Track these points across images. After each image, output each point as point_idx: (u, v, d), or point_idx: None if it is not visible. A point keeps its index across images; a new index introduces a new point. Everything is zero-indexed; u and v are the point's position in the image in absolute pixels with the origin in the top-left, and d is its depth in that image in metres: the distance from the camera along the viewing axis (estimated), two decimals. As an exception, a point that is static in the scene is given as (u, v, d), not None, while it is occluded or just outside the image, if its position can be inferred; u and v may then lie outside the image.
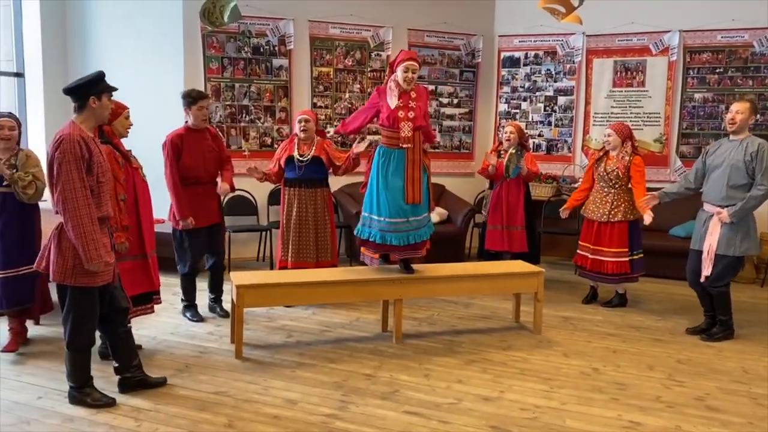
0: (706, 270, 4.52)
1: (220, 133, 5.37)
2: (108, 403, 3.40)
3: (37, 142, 6.70)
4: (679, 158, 6.95)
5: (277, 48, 6.84)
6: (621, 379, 3.93)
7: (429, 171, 4.43)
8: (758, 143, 4.38)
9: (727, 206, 4.42)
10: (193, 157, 4.70)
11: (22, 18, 6.56)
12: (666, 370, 4.09)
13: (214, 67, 6.64)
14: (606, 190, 5.23)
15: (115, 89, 3.41)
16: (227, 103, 6.66)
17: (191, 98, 4.72)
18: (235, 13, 5.60)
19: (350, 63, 7.12)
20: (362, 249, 4.61)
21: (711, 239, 4.49)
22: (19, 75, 6.65)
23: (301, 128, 5.06)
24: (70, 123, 3.26)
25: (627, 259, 5.19)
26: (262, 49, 6.79)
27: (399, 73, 4.24)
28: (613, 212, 5.17)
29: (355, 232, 4.56)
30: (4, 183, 4.02)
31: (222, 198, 5.05)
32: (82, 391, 3.41)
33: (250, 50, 6.74)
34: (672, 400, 3.64)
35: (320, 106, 7.03)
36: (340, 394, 3.63)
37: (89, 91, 3.26)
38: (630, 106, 7.08)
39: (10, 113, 4.25)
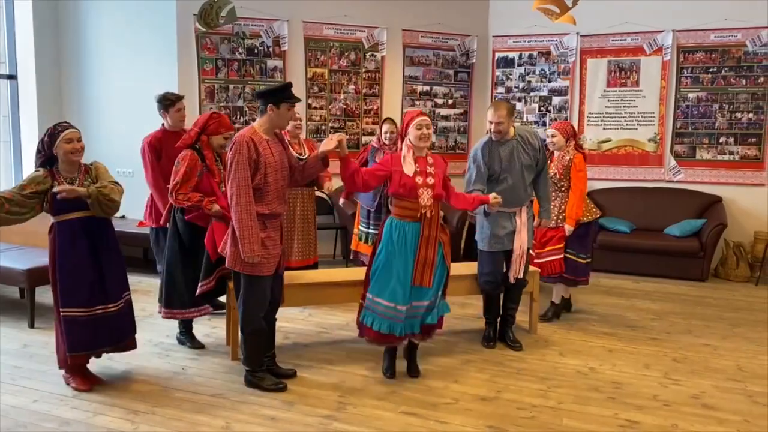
0: (519, 272, 4.34)
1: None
2: (280, 389, 3.63)
3: (31, 145, 6.68)
4: (673, 157, 6.97)
5: (271, 49, 6.83)
6: (617, 378, 3.95)
7: (446, 248, 3.85)
8: (532, 135, 4.29)
9: (528, 205, 4.36)
10: (171, 159, 4.53)
11: (14, 20, 6.54)
12: (662, 368, 4.11)
13: (208, 68, 6.62)
14: (553, 194, 4.81)
15: (297, 100, 3.50)
16: (221, 104, 6.64)
17: (169, 101, 4.59)
18: (231, 15, 5.62)
19: (345, 64, 7.11)
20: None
21: (521, 239, 4.29)
22: (12, 77, 6.62)
23: (296, 126, 5.04)
24: (249, 126, 3.47)
25: (560, 257, 4.83)
26: (256, 50, 6.78)
27: (412, 133, 3.68)
28: (560, 216, 4.82)
29: (360, 318, 3.84)
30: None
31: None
32: (256, 376, 3.67)
33: (244, 51, 6.73)
34: (668, 399, 3.66)
35: (315, 107, 7.03)
36: (338, 395, 3.63)
37: (269, 98, 3.42)
38: (624, 106, 7.11)
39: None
